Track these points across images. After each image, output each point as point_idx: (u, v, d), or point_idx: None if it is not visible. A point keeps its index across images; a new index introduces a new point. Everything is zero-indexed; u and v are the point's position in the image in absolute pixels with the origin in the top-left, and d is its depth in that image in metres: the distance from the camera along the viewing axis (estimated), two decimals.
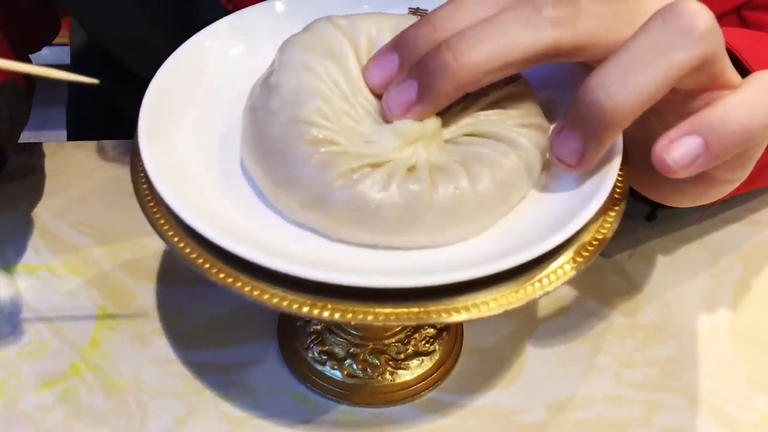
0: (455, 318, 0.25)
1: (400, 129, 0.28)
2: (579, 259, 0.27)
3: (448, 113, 0.29)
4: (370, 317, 0.25)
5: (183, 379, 0.36)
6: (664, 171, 0.26)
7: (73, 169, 0.46)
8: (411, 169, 0.27)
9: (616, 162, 0.28)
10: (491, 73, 0.26)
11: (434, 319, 0.25)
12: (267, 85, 0.29)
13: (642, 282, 0.42)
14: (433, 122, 0.28)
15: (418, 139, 0.28)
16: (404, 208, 0.26)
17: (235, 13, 0.33)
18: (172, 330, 0.39)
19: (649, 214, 0.41)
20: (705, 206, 0.33)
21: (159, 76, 0.31)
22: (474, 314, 0.25)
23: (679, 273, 0.43)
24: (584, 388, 0.37)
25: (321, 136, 0.27)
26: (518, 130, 0.28)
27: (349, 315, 0.25)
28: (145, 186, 0.28)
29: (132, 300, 0.40)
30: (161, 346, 0.38)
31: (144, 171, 0.28)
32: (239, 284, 0.25)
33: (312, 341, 0.37)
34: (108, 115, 0.65)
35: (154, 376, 0.36)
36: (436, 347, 0.38)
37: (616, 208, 0.28)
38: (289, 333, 0.38)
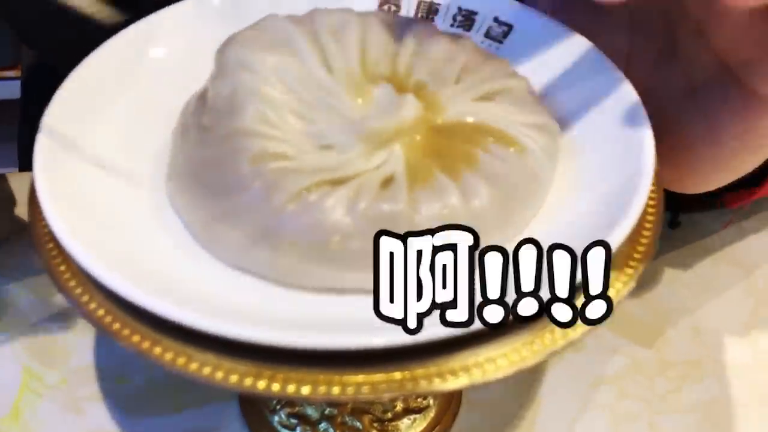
0: (452, 385, 0.19)
1: (368, 130, 0.22)
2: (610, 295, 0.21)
3: (434, 98, 0.23)
4: (335, 390, 0.18)
5: None
6: None
7: None
8: (386, 182, 0.21)
9: (648, 167, 0.22)
10: None
11: (424, 387, 0.18)
12: (202, 99, 0.23)
13: (666, 308, 0.37)
14: (412, 109, 0.22)
15: (392, 139, 0.22)
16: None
17: (165, 9, 0.27)
18: (112, 394, 0.33)
19: (671, 220, 0.35)
20: (733, 207, 0.29)
21: (72, 78, 0.25)
22: (477, 377, 0.19)
23: (708, 294, 0.38)
24: None
25: (265, 149, 0.21)
26: (524, 131, 0.22)
27: (306, 388, 0.18)
28: (44, 223, 0.22)
29: (65, 359, 0.34)
30: (98, 414, 0.32)
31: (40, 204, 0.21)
32: (158, 350, 0.19)
33: (279, 402, 0.31)
34: None
35: None
36: (431, 402, 0.32)
37: (650, 221, 0.22)
38: (248, 394, 0.32)
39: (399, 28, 0.26)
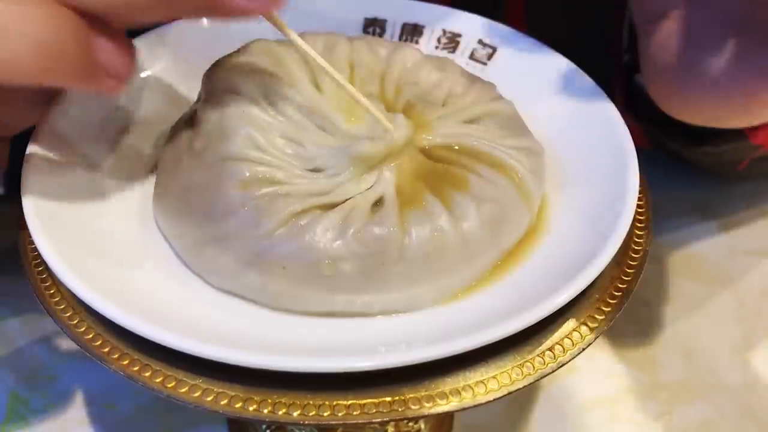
0: (442, 407, 0.19)
1: (359, 152, 0.22)
2: (599, 317, 0.21)
3: (422, 120, 0.24)
4: (326, 413, 0.18)
5: None
6: None
7: None
8: (376, 205, 0.21)
9: (633, 185, 0.22)
10: None
11: (414, 411, 0.18)
12: (190, 123, 0.23)
13: (659, 331, 0.37)
14: (403, 131, 0.22)
15: (384, 160, 0.22)
16: (366, 259, 0.20)
17: (153, 30, 0.27)
18: (101, 418, 0.33)
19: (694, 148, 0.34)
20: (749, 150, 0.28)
21: (60, 101, 0.25)
22: (467, 401, 0.19)
23: (699, 316, 0.38)
24: None
25: (255, 174, 0.22)
26: (510, 153, 0.22)
27: (297, 412, 0.18)
28: (33, 246, 0.22)
29: (52, 383, 0.34)
30: None
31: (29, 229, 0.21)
32: (148, 374, 0.19)
33: (269, 426, 0.31)
34: None
35: None
36: (422, 426, 0.31)
37: (640, 241, 0.23)
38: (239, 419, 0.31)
39: (385, 52, 0.26)
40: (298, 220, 0.21)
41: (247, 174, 0.21)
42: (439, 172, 0.22)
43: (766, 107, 0.24)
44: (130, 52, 0.21)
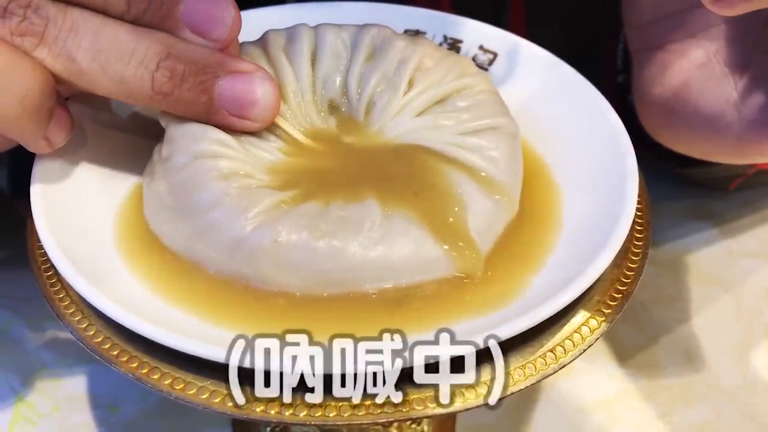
0: (445, 408, 0.19)
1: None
2: (599, 319, 0.21)
3: (381, 121, 0.24)
4: (332, 414, 0.19)
5: None
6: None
7: None
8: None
9: (633, 188, 0.23)
10: None
11: (417, 411, 0.19)
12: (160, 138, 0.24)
13: (659, 333, 0.37)
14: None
15: None
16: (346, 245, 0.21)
17: None
18: (105, 422, 0.33)
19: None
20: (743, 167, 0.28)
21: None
22: (470, 401, 0.19)
23: (701, 320, 0.38)
24: None
25: (231, 168, 0.22)
26: (475, 143, 0.23)
27: (304, 413, 0.18)
28: (42, 251, 0.22)
29: (58, 386, 0.34)
30: None
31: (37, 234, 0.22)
32: (157, 376, 0.19)
33: (273, 429, 0.31)
34: None
35: None
36: (425, 428, 0.32)
37: (639, 244, 0.23)
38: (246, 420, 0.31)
39: (353, 34, 0.26)
40: (280, 206, 0.21)
41: (224, 165, 0.22)
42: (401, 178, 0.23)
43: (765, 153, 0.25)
44: (73, 123, 0.22)
